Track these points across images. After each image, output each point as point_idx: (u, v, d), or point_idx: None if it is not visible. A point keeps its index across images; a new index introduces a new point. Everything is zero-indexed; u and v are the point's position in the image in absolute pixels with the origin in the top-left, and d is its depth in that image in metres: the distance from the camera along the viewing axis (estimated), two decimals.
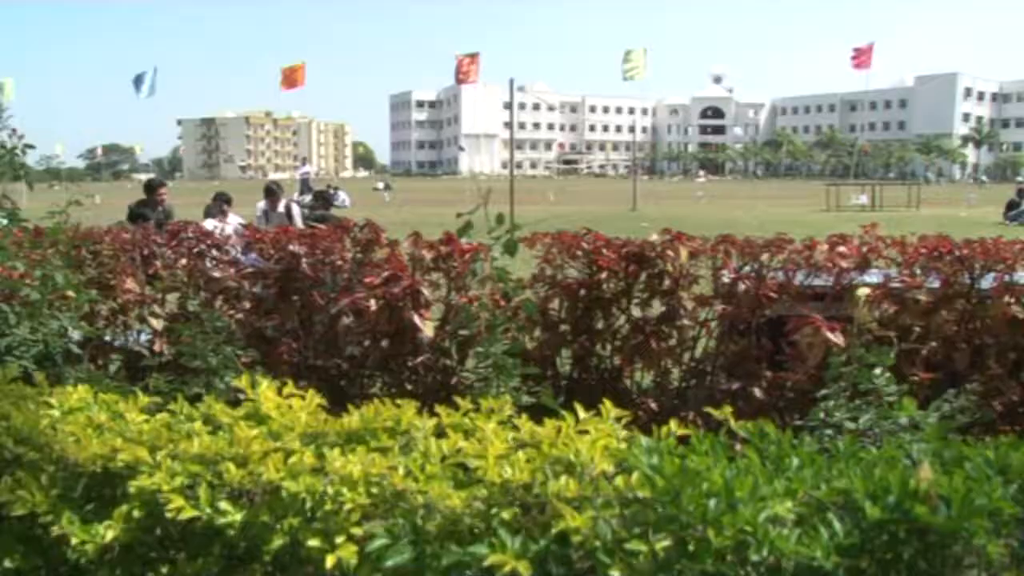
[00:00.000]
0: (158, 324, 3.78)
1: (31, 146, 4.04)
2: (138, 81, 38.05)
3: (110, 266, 3.88)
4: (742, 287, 3.23)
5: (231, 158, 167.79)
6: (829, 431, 2.71)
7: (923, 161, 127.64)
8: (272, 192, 10.97)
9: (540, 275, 3.47)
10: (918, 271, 3.13)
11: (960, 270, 3.08)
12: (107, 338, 3.95)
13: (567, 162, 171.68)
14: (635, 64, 33.48)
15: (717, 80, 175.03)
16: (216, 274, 3.81)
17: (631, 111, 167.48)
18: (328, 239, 3.67)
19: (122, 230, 4.10)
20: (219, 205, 10.59)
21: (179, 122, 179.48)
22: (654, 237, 3.33)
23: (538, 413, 2.80)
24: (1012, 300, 3.01)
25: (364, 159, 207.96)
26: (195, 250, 3.84)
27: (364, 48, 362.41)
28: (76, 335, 3.54)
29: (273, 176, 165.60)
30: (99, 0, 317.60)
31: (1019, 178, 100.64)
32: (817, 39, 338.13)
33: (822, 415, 2.73)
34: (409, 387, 3.70)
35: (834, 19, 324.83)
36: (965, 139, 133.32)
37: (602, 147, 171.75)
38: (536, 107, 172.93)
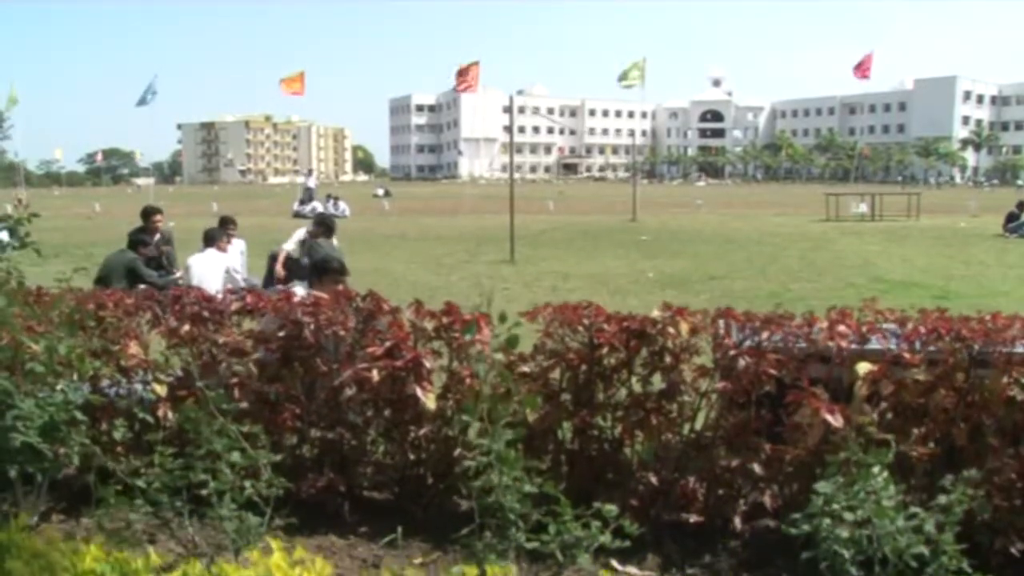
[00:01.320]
0: (162, 390, 3.80)
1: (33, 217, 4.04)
2: (143, 99, 38.34)
3: (115, 329, 3.90)
4: (742, 363, 3.25)
5: (231, 162, 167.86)
6: (828, 520, 2.73)
7: (923, 164, 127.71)
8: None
9: (541, 347, 3.50)
10: (917, 347, 3.15)
11: (959, 349, 3.10)
12: (112, 392, 3.98)
13: (567, 166, 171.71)
14: (633, 78, 33.51)
15: (716, 83, 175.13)
16: (220, 339, 3.84)
17: (630, 115, 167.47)
18: (331, 308, 3.69)
19: (125, 293, 4.12)
20: (224, 230, 10.56)
21: (179, 126, 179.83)
22: (655, 313, 3.35)
23: (540, 503, 2.83)
24: (1010, 380, 3.04)
25: (364, 163, 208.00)
26: (197, 315, 3.86)
27: (364, 52, 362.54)
28: (79, 398, 3.56)
29: (273, 180, 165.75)
30: (98, 5, 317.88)
31: (1019, 181, 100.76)
32: (816, 42, 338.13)
33: (821, 503, 2.75)
34: (412, 456, 3.72)
35: (833, 22, 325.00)
36: (965, 142, 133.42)
37: (602, 150, 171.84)
38: (536, 111, 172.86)
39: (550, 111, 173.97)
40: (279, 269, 10.41)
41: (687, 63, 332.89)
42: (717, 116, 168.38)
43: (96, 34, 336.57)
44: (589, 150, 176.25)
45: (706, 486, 3.50)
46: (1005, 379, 3.04)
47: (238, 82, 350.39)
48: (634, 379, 3.43)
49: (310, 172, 37.42)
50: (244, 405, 3.69)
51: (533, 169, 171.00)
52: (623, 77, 32.78)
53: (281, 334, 3.73)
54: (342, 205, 34.60)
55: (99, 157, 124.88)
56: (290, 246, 10.95)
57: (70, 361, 3.55)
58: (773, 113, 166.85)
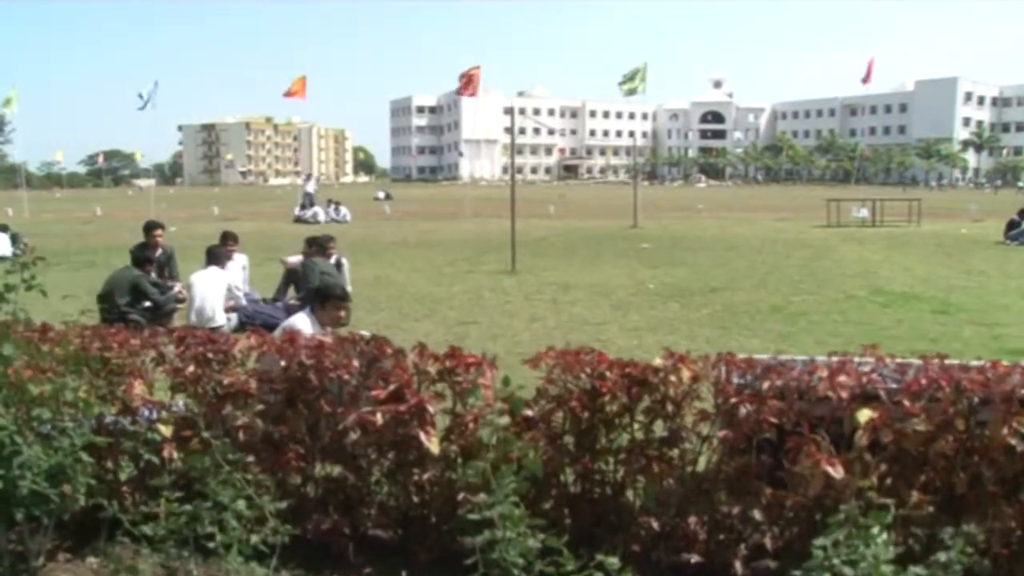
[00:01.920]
0: (168, 431, 3.83)
1: None
2: (145, 104, 38.51)
3: (119, 370, 3.93)
4: (743, 411, 3.28)
5: (232, 163, 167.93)
6: (828, 575, 2.76)
7: (924, 166, 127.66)
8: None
9: (544, 392, 3.53)
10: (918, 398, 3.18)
11: (959, 399, 3.12)
12: (117, 428, 4.00)
13: (567, 167, 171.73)
14: (635, 83, 33.50)
15: (717, 85, 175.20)
16: (225, 379, 3.86)
17: (631, 116, 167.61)
18: (335, 351, 3.72)
19: (130, 333, 4.14)
20: (225, 247, 10.60)
21: (180, 128, 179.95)
22: (658, 361, 3.38)
23: (544, 554, 2.86)
24: (1008, 431, 3.06)
25: (364, 164, 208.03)
26: (202, 356, 3.88)
27: (364, 53, 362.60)
28: (84, 441, 3.59)
29: (274, 182, 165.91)
30: (98, 5, 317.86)
31: (1020, 183, 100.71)
32: (817, 43, 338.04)
33: (821, 557, 2.78)
34: (416, 499, 3.75)
35: (834, 23, 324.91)
36: (965, 143, 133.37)
37: (603, 152, 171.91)
38: (536, 112, 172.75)
39: (550, 112, 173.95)
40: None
41: (688, 64, 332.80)
42: (718, 117, 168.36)
43: (96, 34, 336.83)
44: (590, 151, 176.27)
45: (707, 529, 3.52)
46: (1005, 429, 3.07)
47: (239, 83, 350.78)
48: (636, 424, 3.46)
49: (310, 177, 37.40)
50: (249, 450, 3.72)
51: (534, 171, 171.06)
52: (625, 81, 32.75)
53: (285, 376, 3.75)
54: (343, 210, 34.62)
55: (100, 159, 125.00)
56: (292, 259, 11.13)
57: (76, 403, 3.58)
58: (774, 114, 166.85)
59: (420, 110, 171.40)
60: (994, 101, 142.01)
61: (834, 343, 8.90)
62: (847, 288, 13.31)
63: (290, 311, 9.77)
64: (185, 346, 3.95)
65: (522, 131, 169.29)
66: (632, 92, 35.45)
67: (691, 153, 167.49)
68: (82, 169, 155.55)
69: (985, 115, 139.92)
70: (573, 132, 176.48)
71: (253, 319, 9.47)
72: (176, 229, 30.09)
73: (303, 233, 28.61)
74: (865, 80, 34.43)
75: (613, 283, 14.10)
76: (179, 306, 10.13)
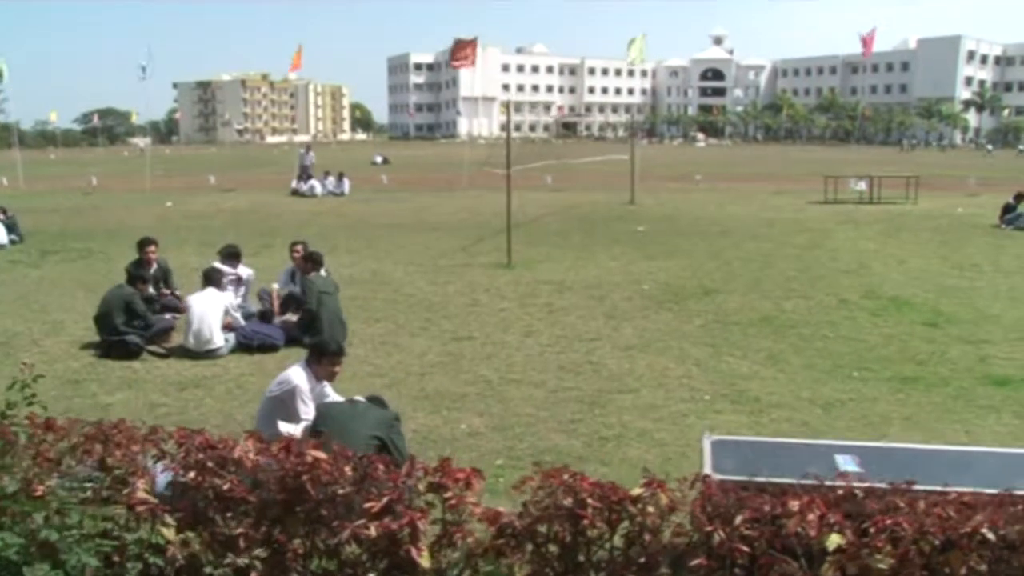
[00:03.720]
0: (171, 533, 3.99)
1: None
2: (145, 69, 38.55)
3: (122, 475, 4.08)
4: (717, 539, 3.45)
5: (228, 122, 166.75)
6: None
7: (924, 126, 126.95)
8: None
9: (526, 511, 3.69)
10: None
11: (922, 539, 3.29)
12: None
13: (566, 125, 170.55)
14: (636, 54, 33.40)
15: (718, 41, 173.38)
16: (225, 486, 4.02)
17: (631, 73, 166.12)
18: (329, 464, 3.87)
19: (133, 430, 4.28)
20: (223, 272, 10.61)
21: (175, 85, 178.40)
22: (637, 491, 3.54)
23: None
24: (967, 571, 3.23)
25: (362, 121, 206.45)
26: (202, 464, 4.03)
27: (362, 9, 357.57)
28: (92, 563, 3.75)
29: (271, 140, 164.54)
30: None
31: (1021, 146, 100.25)
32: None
33: None
34: None
35: None
36: (967, 103, 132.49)
37: (601, 109, 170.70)
38: (535, 69, 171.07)
39: (549, 70, 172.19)
40: (276, 308, 10.59)
41: (688, 21, 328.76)
42: (718, 75, 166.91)
43: None
44: (589, 109, 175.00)
45: None
46: (963, 569, 3.24)
47: (235, 40, 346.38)
48: (615, 549, 3.63)
49: (308, 149, 37.21)
50: (246, 553, 3.90)
51: (532, 128, 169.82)
52: (631, 55, 32.63)
53: (281, 486, 3.91)
54: (344, 182, 34.50)
55: (95, 119, 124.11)
56: (279, 285, 11.15)
57: (82, 522, 3.74)
58: (774, 72, 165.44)
59: (418, 67, 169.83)
60: (997, 60, 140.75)
61: (823, 366, 9.10)
62: (839, 290, 13.45)
63: (288, 330, 9.92)
64: (185, 451, 4.09)
65: (520, 87, 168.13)
66: (633, 64, 35.36)
67: (691, 111, 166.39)
68: (77, 127, 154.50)
69: (988, 74, 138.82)
70: (572, 90, 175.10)
71: (251, 340, 9.61)
72: (172, 204, 30.17)
73: (300, 208, 28.83)
74: (865, 52, 34.19)
75: (608, 281, 14.22)
76: (176, 320, 10.26)
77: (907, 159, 77.09)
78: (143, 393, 8.31)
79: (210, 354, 9.40)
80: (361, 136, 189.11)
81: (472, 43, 36.05)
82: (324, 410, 5.70)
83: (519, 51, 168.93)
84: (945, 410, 7.62)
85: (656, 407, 7.75)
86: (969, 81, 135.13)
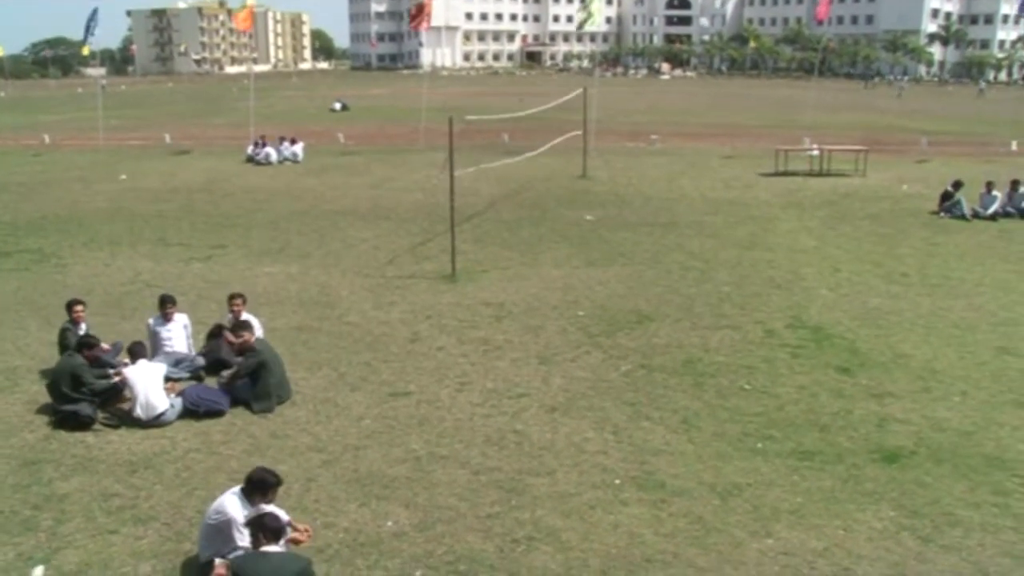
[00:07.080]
0: None
1: None
2: (87, 27, 37.76)
3: None
4: None
5: (185, 52, 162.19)
6: None
7: (889, 60, 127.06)
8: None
9: None
10: None
11: None
12: None
13: (530, 55, 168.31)
14: (591, 15, 33.18)
15: None
16: None
17: None
18: None
19: None
20: (144, 348, 10.82)
21: (128, 13, 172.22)
22: None
23: None
24: None
25: (323, 50, 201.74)
26: None
27: None
28: None
29: (230, 70, 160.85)
30: None
31: (980, 85, 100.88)
32: None
33: None
34: None
35: None
36: (932, 36, 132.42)
37: (566, 38, 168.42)
38: None
39: None
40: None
41: None
42: (684, 3, 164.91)
43: None
44: (553, 38, 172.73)
45: None
46: None
47: None
48: None
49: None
50: None
51: (496, 57, 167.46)
52: (580, 26, 32.38)
53: None
54: (297, 149, 34.30)
55: (47, 52, 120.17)
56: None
57: None
58: (741, 0, 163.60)
59: None
60: None
61: (732, 434, 9.68)
62: (769, 314, 14.02)
63: (235, 395, 10.29)
64: None
65: (483, 16, 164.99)
66: (583, 25, 35.09)
67: (656, 41, 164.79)
68: (27, 55, 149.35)
69: (954, 6, 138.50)
70: (536, 19, 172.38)
71: (198, 407, 10.01)
72: (126, 177, 29.93)
73: (254, 183, 28.72)
74: (818, 18, 34.27)
75: (547, 304, 14.66)
76: (119, 380, 10.53)
77: (868, 103, 77.59)
78: (97, 478, 8.63)
79: (158, 419, 9.78)
80: (323, 65, 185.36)
81: (427, 4, 35.64)
82: (241, 563, 6.15)
83: None
84: (832, 499, 8.22)
85: (568, 496, 8.29)
86: (935, 13, 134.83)
